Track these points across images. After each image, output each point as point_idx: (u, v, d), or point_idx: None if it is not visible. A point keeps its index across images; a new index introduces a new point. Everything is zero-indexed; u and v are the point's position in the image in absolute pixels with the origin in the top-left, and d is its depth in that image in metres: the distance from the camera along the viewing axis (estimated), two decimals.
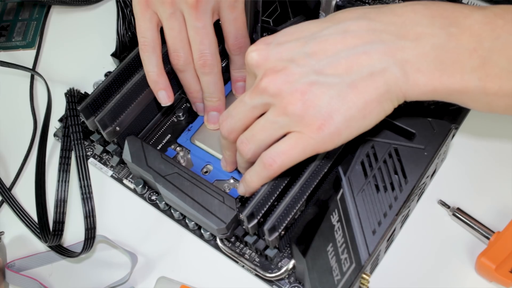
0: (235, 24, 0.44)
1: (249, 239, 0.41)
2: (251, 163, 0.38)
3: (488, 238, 0.42)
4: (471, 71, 0.32)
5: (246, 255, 0.43)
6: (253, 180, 0.38)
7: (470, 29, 0.33)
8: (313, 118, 0.34)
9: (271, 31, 0.52)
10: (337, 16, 0.36)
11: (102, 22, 0.60)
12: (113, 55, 0.52)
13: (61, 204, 0.42)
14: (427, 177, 0.42)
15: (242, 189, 0.40)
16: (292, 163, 0.36)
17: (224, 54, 0.47)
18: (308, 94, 0.34)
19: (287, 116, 0.34)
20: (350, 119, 0.34)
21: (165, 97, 0.44)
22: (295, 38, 0.36)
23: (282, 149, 0.36)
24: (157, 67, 0.44)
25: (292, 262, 0.41)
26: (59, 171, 0.42)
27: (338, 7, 0.46)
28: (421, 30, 0.33)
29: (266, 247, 0.41)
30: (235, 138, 0.39)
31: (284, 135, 0.36)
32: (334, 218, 0.38)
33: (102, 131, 0.45)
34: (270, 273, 0.42)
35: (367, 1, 0.54)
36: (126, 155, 0.45)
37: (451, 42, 0.33)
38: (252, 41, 0.50)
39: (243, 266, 0.43)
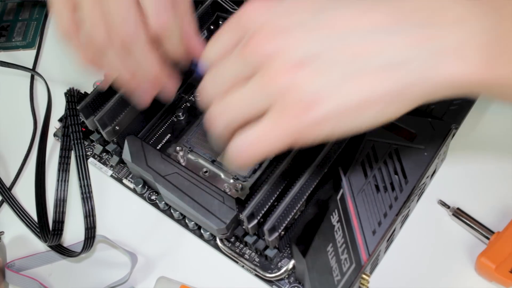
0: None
1: (249, 239, 0.41)
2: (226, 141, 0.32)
3: (488, 238, 0.41)
4: None
5: (246, 255, 0.43)
6: (231, 167, 0.33)
7: None
8: (301, 97, 0.28)
9: None
10: None
11: None
12: None
13: (60, 203, 0.42)
14: (427, 177, 0.42)
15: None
16: (262, 155, 0.30)
17: None
18: (304, 70, 0.28)
19: (271, 87, 0.28)
20: (343, 112, 0.28)
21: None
22: (307, 3, 0.30)
23: (254, 137, 0.30)
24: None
25: (292, 262, 0.41)
26: (59, 170, 0.42)
27: None
28: (458, 14, 0.27)
29: (266, 247, 0.41)
30: None
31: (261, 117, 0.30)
32: (334, 218, 0.38)
33: (101, 131, 0.45)
34: (270, 273, 0.42)
35: None
36: (126, 155, 0.45)
37: (496, 28, 0.27)
38: None
39: (243, 266, 0.43)
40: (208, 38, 0.51)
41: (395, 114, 0.29)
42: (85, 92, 0.50)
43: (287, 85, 0.28)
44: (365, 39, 0.28)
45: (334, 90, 0.28)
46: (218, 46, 0.33)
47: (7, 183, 0.50)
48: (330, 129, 0.29)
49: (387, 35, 0.28)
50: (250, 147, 0.30)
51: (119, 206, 0.48)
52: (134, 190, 0.48)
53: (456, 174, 0.46)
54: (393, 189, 0.39)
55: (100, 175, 0.49)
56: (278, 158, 0.45)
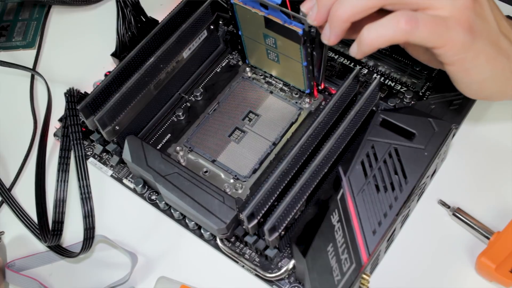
0: None
1: (249, 239, 0.41)
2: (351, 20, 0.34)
3: (488, 238, 0.41)
4: None
5: (246, 255, 0.43)
6: (374, 37, 0.33)
7: None
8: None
9: None
10: None
11: (102, 22, 0.60)
12: (113, 55, 0.52)
13: (60, 204, 0.42)
14: (427, 177, 0.42)
15: (355, 49, 0.35)
16: (418, 39, 0.33)
17: None
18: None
19: None
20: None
21: None
22: None
23: (429, 19, 0.33)
24: None
25: (292, 262, 0.41)
26: (58, 171, 0.42)
27: None
28: None
29: (266, 247, 0.41)
30: None
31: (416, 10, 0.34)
32: (334, 218, 0.38)
33: (101, 130, 0.45)
34: (270, 273, 0.42)
35: None
36: (126, 155, 0.45)
37: None
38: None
39: (243, 266, 0.43)
40: (208, 38, 0.51)
41: None
42: (85, 92, 0.51)
43: None
44: None
45: None
46: None
47: (7, 183, 0.50)
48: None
49: None
50: (422, 22, 0.33)
51: (119, 206, 0.48)
52: (134, 190, 0.48)
53: (456, 174, 0.46)
54: (393, 189, 0.39)
55: (100, 175, 0.49)
56: (278, 158, 0.45)
